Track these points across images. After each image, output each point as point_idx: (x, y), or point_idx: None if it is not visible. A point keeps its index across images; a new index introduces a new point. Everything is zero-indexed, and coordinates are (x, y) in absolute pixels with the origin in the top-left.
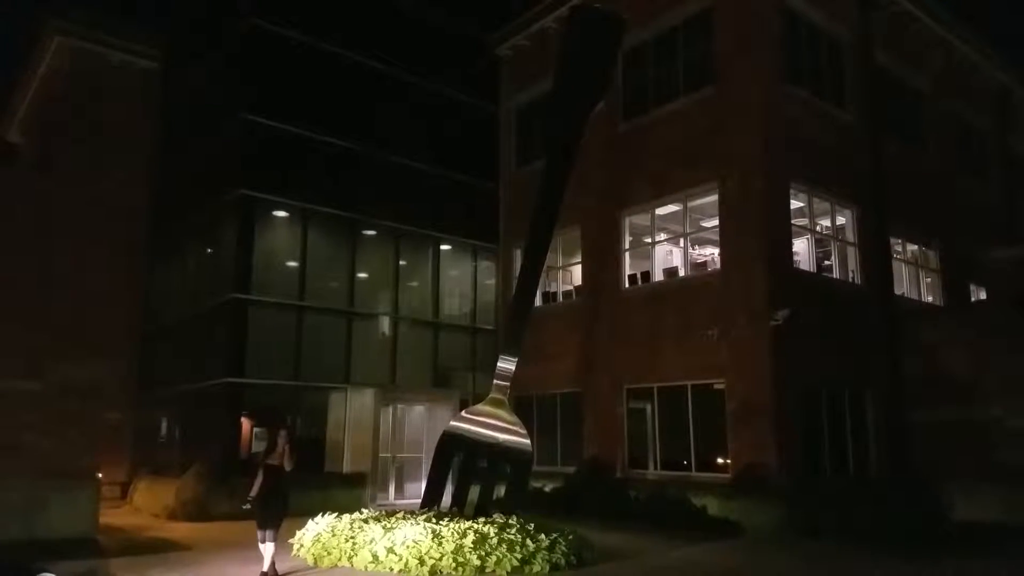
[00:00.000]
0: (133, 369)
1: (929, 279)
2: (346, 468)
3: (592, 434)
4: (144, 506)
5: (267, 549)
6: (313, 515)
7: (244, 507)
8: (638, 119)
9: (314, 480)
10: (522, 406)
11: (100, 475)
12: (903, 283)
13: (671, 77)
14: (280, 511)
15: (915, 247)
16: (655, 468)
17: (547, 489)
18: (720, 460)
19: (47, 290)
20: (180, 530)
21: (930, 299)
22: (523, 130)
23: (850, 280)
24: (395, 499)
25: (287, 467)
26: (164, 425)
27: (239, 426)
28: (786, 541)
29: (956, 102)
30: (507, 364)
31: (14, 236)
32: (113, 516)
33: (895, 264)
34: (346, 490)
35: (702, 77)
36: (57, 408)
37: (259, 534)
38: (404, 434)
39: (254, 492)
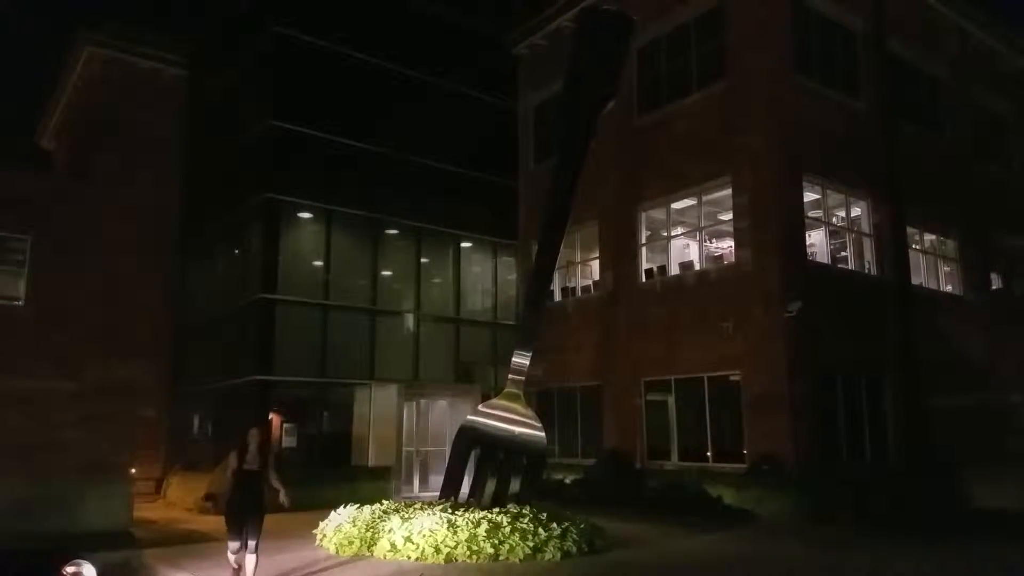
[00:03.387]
0: (167, 368)
1: (948, 268)
2: (372, 461)
3: (611, 426)
4: (177, 500)
5: (248, 561)
6: (339, 507)
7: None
8: (653, 114)
9: (341, 473)
10: (543, 399)
11: (134, 471)
12: (921, 272)
13: (684, 72)
14: (258, 518)
15: (933, 236)
16: (673, 459)
17: (568, 481)
18: (737, 450)
19: (82, 292)
20: (211, 522)
21: (949, 288)
22: (541, 127)
23: (866, 270)
24: (419, 491)
25: (271, 479)
26: (196, 421)
27: (268, 422)
28: (799, 528)
29: (974, 87)
30: (522, 359)
31: (49, 240)
32: (147, 510)
33: (912, 253)
34: (371, 482)
35: (714, 71)
36: (92, 407)
37: (230, 544)
38: (428, 428)
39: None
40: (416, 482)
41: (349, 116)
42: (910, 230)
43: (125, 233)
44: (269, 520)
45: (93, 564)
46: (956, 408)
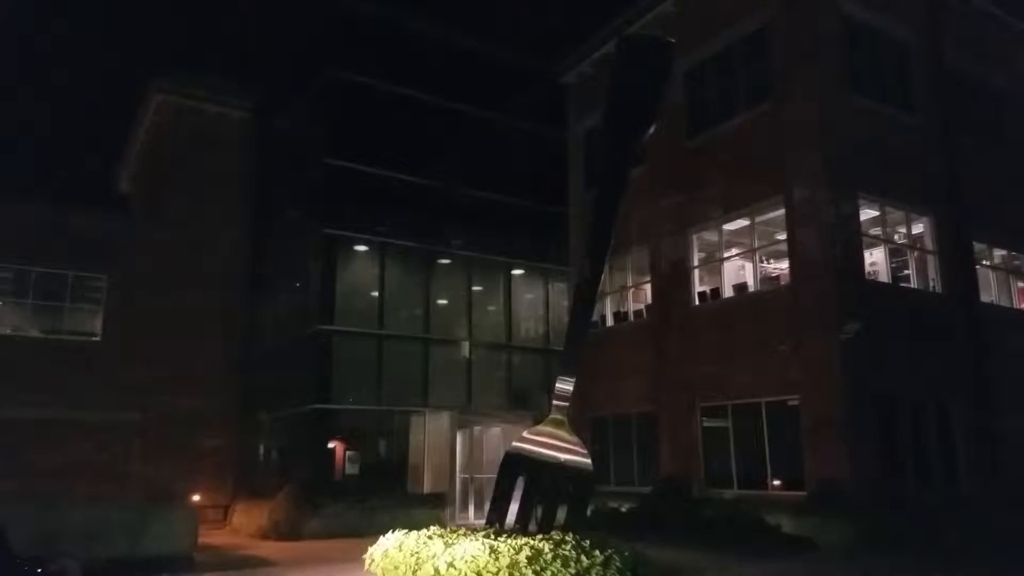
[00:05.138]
0: (234, 398)
1: (1022, 284)
2: (426, 488)
3: (668, 453)
4: (241, 527)
5: None
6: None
7: None
8: (702, 136)
9: (397, 499)
10: (598, 426)
11: (198, 497)
12: (992, 290)
13: (733, 93)
14: None
15: (1003, 251)
16: (732, 486)
17: (624, 509)
18: (797, 477)
19: (155, 327)
20: (271, 548)
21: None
22: (590, 155)
23: (931, 289)
24: (474, 518)
25: None
26: (261, 449)
27: (327, 449)
28: (858, 558)
29: None
30: (565, 385)
31: (127, 277)
32: (213, 536)
33: (981, 270)
34: (426, 509)
35: (763, 91)
36: (160, 438)
37: None
38: (482, 454)
39: None
40: (471, 509)
41: (402, 152)
42: (978, 246)
43: (196, 269)
44: (327, 546)
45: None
46: None
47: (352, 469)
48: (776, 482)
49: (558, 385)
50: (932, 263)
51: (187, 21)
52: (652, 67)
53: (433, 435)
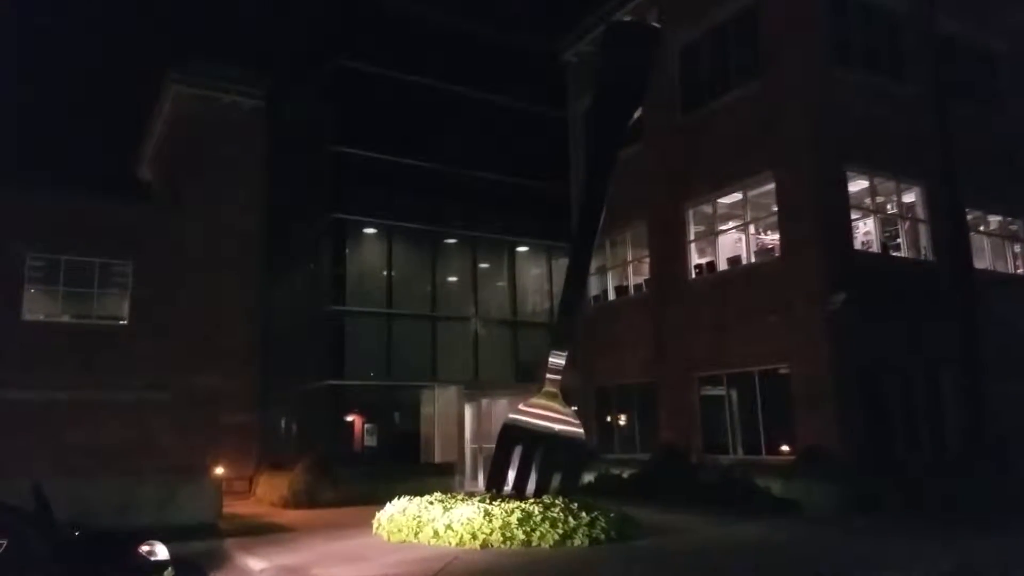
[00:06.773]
0: (255, 376)
1: (1018, 248)
2: (437, 458)
3: (666, 421)
4: (264, 496)
5: None
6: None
7: None
8: (696, 113)
9: (409, 469)
10: (601, 396)
11: (224, 470)
12: (986, 256)
13: (725, 69)
14: None
15: (999, 218)
16: (728, 453)
17: (625, 475)
18: (787, 442)
19: (178, 310)
20: (290, 516)
21: (1021, 271)
22: (590, 132)
23: (922, 257)
24: (483, 486)
25: None
26: (282, 424)
27: (345, 423)
28: (841, 518)
29: None
30: (558, 359)
31: (150, 263)
32: (237, 506)
33: (976, 237)
34: (437, 478)
35: (755, 65)
36: (185, 415)
37: None
38: (490, 426)
39: None
40: (480, 477)
41: (407, 136)
42: (974, 213)
43: (216, 253)
44: (342, 513)
45: (171, 549)
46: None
47: (370, 441)
48: (769, 447)
49: (551, 359)
50: (924, 232)
51: (201, 10)
52: (639, 52)
53: (442, 408)
